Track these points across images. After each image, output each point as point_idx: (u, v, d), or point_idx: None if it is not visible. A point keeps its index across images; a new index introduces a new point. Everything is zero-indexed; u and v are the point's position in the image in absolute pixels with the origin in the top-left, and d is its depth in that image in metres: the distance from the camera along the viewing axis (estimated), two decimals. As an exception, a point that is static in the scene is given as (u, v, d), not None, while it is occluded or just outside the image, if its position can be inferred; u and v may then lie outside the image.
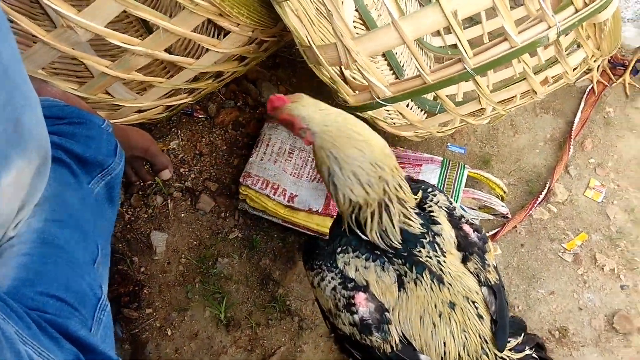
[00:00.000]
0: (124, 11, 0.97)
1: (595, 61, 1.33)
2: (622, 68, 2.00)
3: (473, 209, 1.67)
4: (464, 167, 1.64)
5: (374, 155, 0.94)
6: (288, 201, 1.59)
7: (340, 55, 1.05)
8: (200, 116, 1.80)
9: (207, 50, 1.19)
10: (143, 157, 1.31)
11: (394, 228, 1.00)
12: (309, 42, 1.06)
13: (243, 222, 1.66)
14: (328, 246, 1.05)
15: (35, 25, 0.98)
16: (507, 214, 1.63)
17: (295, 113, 0.93)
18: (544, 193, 1.71)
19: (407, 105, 1.77)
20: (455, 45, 2.06)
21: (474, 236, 1.05)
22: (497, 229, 1.66)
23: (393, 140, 1.79)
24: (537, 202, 1.69)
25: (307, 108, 0.93)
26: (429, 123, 1.38)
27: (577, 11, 1.02)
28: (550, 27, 1.02)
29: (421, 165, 1.68)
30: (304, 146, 1.73)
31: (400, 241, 1.00)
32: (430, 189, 1.08)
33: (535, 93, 1.26)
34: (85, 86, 1.14)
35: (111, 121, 1.32)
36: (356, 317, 0.99)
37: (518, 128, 1.89)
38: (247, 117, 1.83)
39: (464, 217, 1.07)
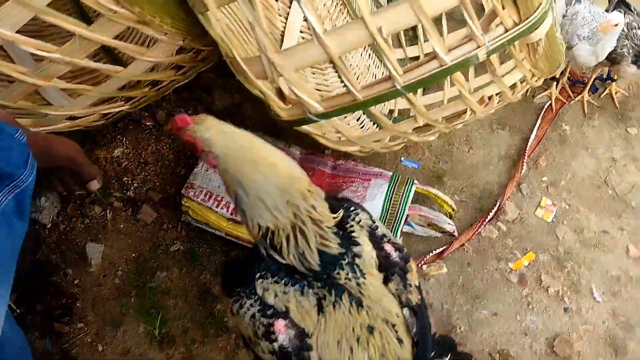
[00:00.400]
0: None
1: (537, 80, 1.31)
2: (581, 86, 1.99)
3: (422, 226, 1.64)
4: (413, 183, 1.61)
5: (280, 180, 0.91)
6: (231, 214, 1.55)
7: (265, 69, 1.01)
8: (148, 123, 1.75)
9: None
10: (70, 167, 1.26)
11: (312, 250, 0.96)
12: (233, 54, 1.02)
13: (186, 235, 1.62)
14: (247, 271, 1.01)
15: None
16: (454, 231, 1.61)
17: (197, 135, 0.90)
18: (493, 211, 1.68)
19: (359, 119, 1.75)
20: (417, 57, 2.04)
21: (395, 256, 1.02)
22: (444, 247, 1.63)
23: (346, 152, 1.76)
24: (487, 221, 1.67)
25: (210, 130, 0.90)
26: (370, 139, 1.35)
27: (506, 31, 0.99)
28: (479, 47, 0.99)
29: (370, 180, 1.65)
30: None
31: (319, 263, 0.96)
32: (352, 208, 1.05)
33: (474, 112, 1.24)
34: (3, 94, 1.10)
35: (40, 129, 1.27)
36: (275, 345, 0.95)
37: (473, 144, 1.87)
38: (196, 126, 1.78)
39: (386, 236, 1.04)
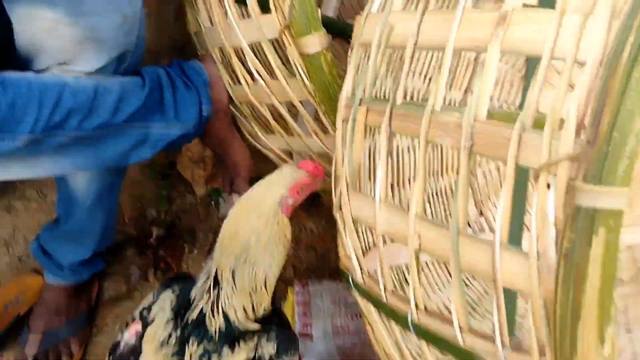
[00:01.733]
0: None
1: None
2: None
3: None
4: None
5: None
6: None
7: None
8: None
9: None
10: (230, 171, 1.46)
11: (197, 307, 0.95)
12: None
13: None
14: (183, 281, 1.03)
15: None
16: None
17: None
18: None
19: None
20: None
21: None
22: None
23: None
24: None
25: None
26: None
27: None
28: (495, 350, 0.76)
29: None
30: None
31: (194, 319, 0.94)
32: (275, 335, 0.94)
33: None
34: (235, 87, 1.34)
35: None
36: (118, 335, 0.98)
37: None
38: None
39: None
